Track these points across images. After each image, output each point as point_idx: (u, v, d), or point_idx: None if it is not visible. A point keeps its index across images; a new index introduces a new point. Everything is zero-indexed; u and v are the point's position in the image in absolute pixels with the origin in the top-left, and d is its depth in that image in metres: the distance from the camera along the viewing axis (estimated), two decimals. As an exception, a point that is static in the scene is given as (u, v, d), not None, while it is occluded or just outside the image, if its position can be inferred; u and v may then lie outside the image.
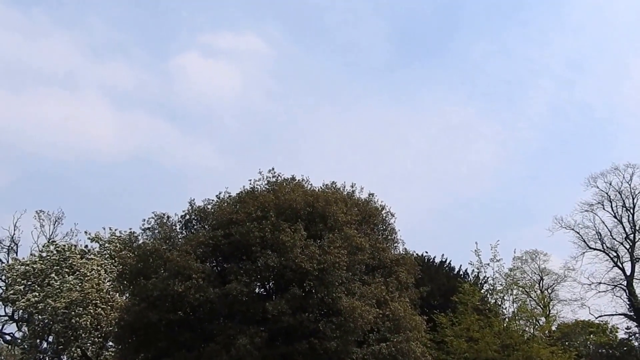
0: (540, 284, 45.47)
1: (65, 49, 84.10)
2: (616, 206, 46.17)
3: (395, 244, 27.98)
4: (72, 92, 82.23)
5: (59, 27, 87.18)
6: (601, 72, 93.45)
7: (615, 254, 45.90)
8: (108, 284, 30.18)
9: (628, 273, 45.17)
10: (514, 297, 33.61)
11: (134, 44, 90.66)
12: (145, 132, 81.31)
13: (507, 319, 31.59)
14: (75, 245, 33.34)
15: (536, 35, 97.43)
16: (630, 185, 45.71)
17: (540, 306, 39.52)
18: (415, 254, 31.96)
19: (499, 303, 33.00)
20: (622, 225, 45.86)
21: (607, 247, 46.17)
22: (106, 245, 32.63)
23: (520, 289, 35.73)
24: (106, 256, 31.98)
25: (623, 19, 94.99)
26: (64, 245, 32.55)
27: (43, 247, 33.68)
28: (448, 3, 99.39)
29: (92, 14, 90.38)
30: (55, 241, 35.11)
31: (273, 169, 26.51)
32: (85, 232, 33.24)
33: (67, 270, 30.63)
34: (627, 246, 45.53)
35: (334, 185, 27.14)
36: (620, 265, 45.59)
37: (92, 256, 31.65)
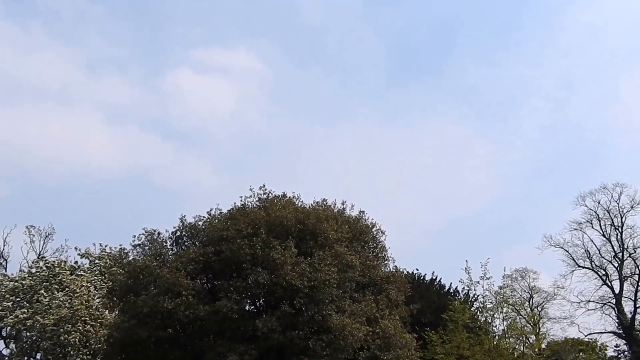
0: (530, 302, 45.62)
1: (61, 64, 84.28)
2: (605, 225, 46.62)
3: (386, 262, 28.16)
4: (67, 107, 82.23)
5: (55, 42, 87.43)
6: (592, 92, 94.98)
7: (604, 273, 46.23)
8: (97, 300, 30.03)
9: (617, 291, 45.45)
10: (504, 315, 33.78)
11: (128, 59, 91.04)
12: (139, 149, 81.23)
13: (497, 337, 31.71)
14: (65, 261, 33.19)
15: (529, 55, 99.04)
16: (618, 204, 46.22)
17: (530, 324, 39.61)
18: (405, 271, 32.09)
19: (489, 321, 33.12)
20: (611, 244, 46.26)
21: (596, 266, 46.51)
22: (96, 261, 32.52)
23: (510, 306, 35.87)
24: (96, 272, 31.86)
25: (614, 40, 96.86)
26: (54, 261, 32.39)
27: (32, 263, 33.53)
28: (443, 24, 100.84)
29: (88, 29, 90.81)
30: (45, 257, 34.97)
31: (264, 185, 26.77)
32: (76, 248, 33.18)
33: (56, 286, 30.46)
34: (616, 264, 45.88)
35: (325, 203, 27.33)
36: (609, 284, 45.89)
37: (82, 272, 31.52)
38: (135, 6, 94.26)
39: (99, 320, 29.44)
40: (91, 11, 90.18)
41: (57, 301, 29.17)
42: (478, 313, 33.46)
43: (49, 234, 38.55)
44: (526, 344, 34.36)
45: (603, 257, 46.45)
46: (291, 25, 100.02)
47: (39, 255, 37.01)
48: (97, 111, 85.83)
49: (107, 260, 31.41)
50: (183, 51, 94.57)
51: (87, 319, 29.08)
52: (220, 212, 26.15)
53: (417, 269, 37.50)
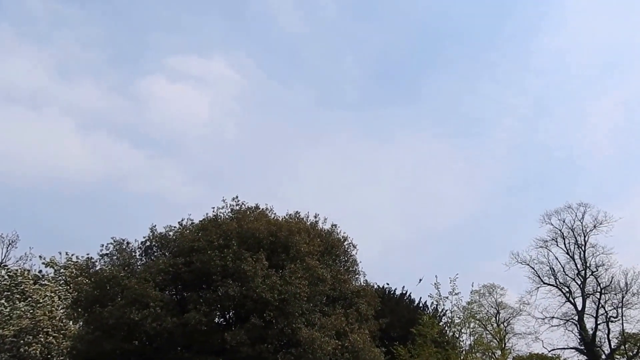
0: (497, 318, 46.43)
1: (31, 67, 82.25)
2: (569, 243, 47.97)
3: (357, 276, 28.29)
4: (37, 112, 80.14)
5: (26, 43, 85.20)
6: (561, 114, 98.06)
7: (567, 290, 47.44)
8: (61, 311, 29.20)
9: (579, 308, 46.66)
10: (472, 330, 34.27)
11: (102, 64, 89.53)
12: (111, 156, 79.67)
13: (464, 352, 32.06)
14: (28, 270, 32.25)
15: (504, 76, 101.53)
16: (582, 223, 47.66)
17: (496, 339, 40.27)
18: (376, 285, 32.29)
19: (457, 336, 33.49)
20: (574, 262, 47.59)
21: (560, 283, 47.71)
22: (61, 270, 31.69)
23: (478, 322, 36.41)
24: (61, 282, 31.03)
25: (581, 65, 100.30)
26: (17, 270, 31.45)
27: (-7, 271, 32.42)
28: (421, 42, 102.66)
29: (62, 32, 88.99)
30: (7, 265, 33.90)
31: (237, 197, 26.65)
32: (40, 257, 32.26)
33: (18, 296, 29.53)
34: (579, 282, 47.17)
35: (297, 215, 27.37)
36: (572, 301, 47.10)
37: (46, 282, 30.66)
38: (111, 11, 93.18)
39: (62, 332, 28.62)
40: (66, 13, 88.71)
41: (18, 311, 28.26)
42: (446, 328, 33.81)
43: (12, 242, 37.39)
44: (492, 359, 34.85)
45: (567, 275, 47.78)
46: (269, 37, 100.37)
47: (1, 263, 35.85)
48: (68, 116, 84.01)
49: (73, 270, 30.64)
50: (158, 58, 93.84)
51: (50, 330, 28.23)
52: (192, 223, 25.91)
53: (388, 284, 37.80)
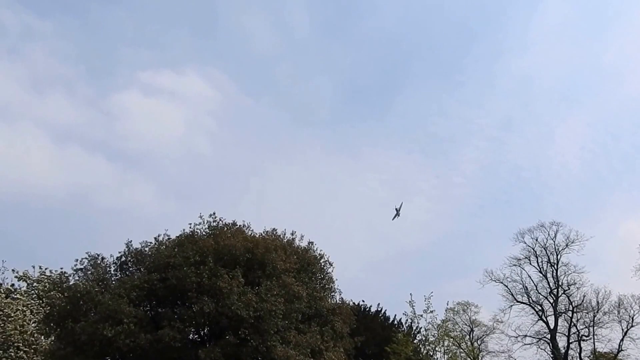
0: (471, 335, 46.87)
1: (3, 80, 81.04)
2: (542, 262, 48.76)
3: (333, 293, 28.48)
4: (8, 124, 78.82)
5: None
6: (529, 135, 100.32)
7: (540, 308, 48.15)
8: (33, 325, 28.74)
9: (552, 326, 47.36)
10: (446, 348, 34.60)
11: (76, 78, 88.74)
12: (84, 169, 78.64)
13: (438, 370, 32.32)
14: (0, 284, 31.68)
15: (471, 97, 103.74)
16: (554, 242, 48.54)
17: (470, 358, 40.65)
18: (352, 302, 32.47)
19: (431, 354, 33.79)
20: (547, 280, 48.36)
21: (533, 301, 48.43)
22: (34, 284, 31.20)
23: (452, 340, 36.76)
24: (33, 296, 30.55)
25: (548, 88, 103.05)
26: (-12, 284, 30.88)
27: (-36, 284, 31.77)
28: (391, 62, 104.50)
29: (35, 45, 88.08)
30: (-22, 278, 33.20)
31: (214, 213, 26.75)
32: (13, 270, 31.68)
33: (-12, 309, 28.97)
34: (551, 300, 47.92)
35: (274, 232, 27.54)
36: (545, 319, 47.78)
37: (18, 296, 30.13)
38: (84, 25, 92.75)
39: (33, 347, 28.13)
40: (39, 27, 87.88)
41: (-12, 325, 27.74)
42: (421, 346, 34.09)
43: (-16, 255, 36.66)
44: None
45: (540, 293, 48.49)
46: (242, 53, 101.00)
47: (-28, 276, 35.11)
48: (40, 129, 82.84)
49: (46, 284, 30.20)
50: (132, 72, 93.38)
51: (21, 344, 27.74)
52: (168, 239, 25.90)
53: (363, 301, 38.00)
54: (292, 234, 27.89)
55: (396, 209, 53.46)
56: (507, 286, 48.68)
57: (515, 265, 49.05)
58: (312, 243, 28.04)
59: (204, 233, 26.03)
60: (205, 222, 26.45)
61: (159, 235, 26.00)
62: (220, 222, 26.68)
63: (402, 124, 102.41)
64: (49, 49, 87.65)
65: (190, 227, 26.16)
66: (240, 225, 26.91)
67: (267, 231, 27.38)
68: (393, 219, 54.07)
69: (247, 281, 24.01)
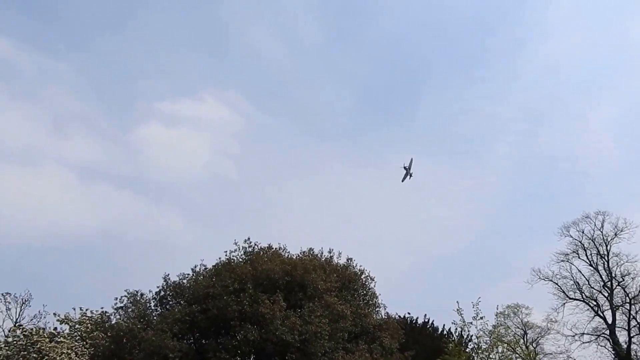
0: (525, 339, 44.95)
1: (25, 123, 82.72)
2: (591, 254, 46.48)
3: (377, 309, 27.58)
4: (34, 168, 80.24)
5: (17, 100, 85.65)
6: (561, 124, 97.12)
7: (595, 303, 45.83)
8: (79, 368, 28.61)
9: (609, 322, 45.01)
10: (500, 354, 33.03)
11: (95, 115, 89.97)
12: (113, 206, 79.19)
13: (495, 379, 30.85)
14: (43, 329, 31.72)
15: (495, 91, 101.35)
16: (602, 232, 46.25)
17: (526, 362, 38.87)
18: (397, 316, 31.43)
19: (485, 362, 32.34)
20: (599, 273, 46.04)
21: (587, 297, 46.12)
22: (77, 326, 31.14)
23: (505, 345, 35.18)
24: (77, 338, 30.45)
25: (575, 73, 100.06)
26: (32, 329, 30.95)
27: (9, 331, 31.98)
28: (409, 67, 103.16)
29: (51, 86, 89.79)
30: (22, 325, 33.41)
31: (249, 238, 26.36)
32: (55, 314, 31.77)
33: (35, 355, 28.98)
34: (606, 294, 45.58)
35: (311, 252, 26.93)
36: (601, 314, 45.45)
37: (61, 339, 30.08)
38: (98, 61, 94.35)
39: (81, 389, 27.97)
40: (53, 68, 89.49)
41: (36, 371, 27.72)
42: (473, 354, 32.70)
43: (25, 301, 37.00)
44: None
45: (592, 287, 46.17)
46: (256, 70, 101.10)
47: (16, 323, 35.41)
48: (66, 169, 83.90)
49: (89, 325, 30.11)
50: (150, 104, 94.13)
51: (69, 388, 27.62)
52: (205, 268, 25.55)
53: (409, 313, 36.83)
54: (330, 252, 27.26)
55: (405, 168, 49.77)
56: (557, 283, 46.58)
57: (563, 260, 46.95)
58: (350, 259, 27.34)
59: (240, 259, 25.61)
60: (241, 248, 26.07)
61: (195, 266, 25.76)
62: (256, 246, 26.25)
63: (425, 127, 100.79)
64: (66, 88, 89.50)
65: (226, 255, 25.86)
66: (276, 248, 26.40)
67: (304, 251, 26.79)
68: (403, 180, 50.23)
69: (289, 305, 23.43)
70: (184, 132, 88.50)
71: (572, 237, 47.48)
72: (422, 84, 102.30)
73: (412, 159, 49.90)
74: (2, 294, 36.64)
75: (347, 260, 27.24)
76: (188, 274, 25.44)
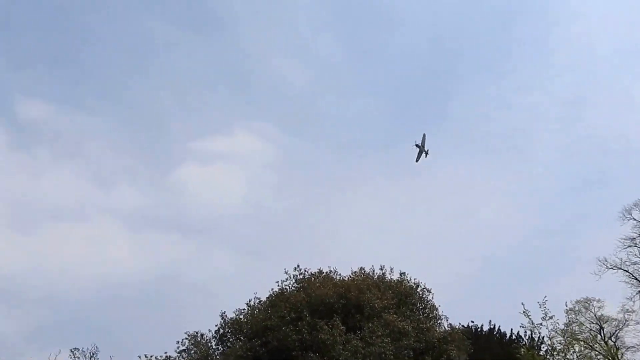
0: (602, 334, 42.57)
1: (71, 181, 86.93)
2: (659, 234, 44.05)
3: (439, 321, 26.71)
4: (85, 222, 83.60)
5: (60, 160, 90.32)
6: (604, 104, 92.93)
7: (672, 287, 43.20)
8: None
9: (691, 303, 42.21)
10: (578, 353, 31.35)
11: (134, 162, 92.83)
12: (162, 249, 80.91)
13: (576, 380, 29.24)
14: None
15: (528, 80, 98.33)
16: (667, 210, 43.86)
17: (608, 358, 36.76)
18: (460, 326, 30.33)
19: (563, 363, 30.72)
20: (671, 254, 43.51)
21: (662, 280, 43.56)
22: (145, 374, 31.56)
23: (582, 343, 33.38)
24: (146, 385, 30.83)
25: (613, 47, 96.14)
26: (103, 382, 31.54)
27: (82, 387, 32.68)
28: (435, 70, 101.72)
29: (89, 140, 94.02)
30: (93, 378, 34.11)
31: (298, 266, 26.30)
32: (122, 364, 32.40)
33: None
34: (682, 276, 42.93)
35: (363, 271, 26.53)
36: (681, 298, 42.73)
37: (131, 388, 30.56)
38: (130, 109, 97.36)
39: None
40: (89, 123, 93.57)
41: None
42: (549, 357, 31.16)
43: (93, 354, 37.88)
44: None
45: (667, 270, 43.59)
46: (282, 97, 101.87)
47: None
48: (114, 220, 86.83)
49: (156, 371, 30.44)
50: (184, 145, 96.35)
51: None
52: (260, 301, 25.57)
53: (472, 321, 35.49)
54: (382, 269, 26.77)
55: (417, 145, 45.90)
56: (627, 271, 43.99)
57: (630, 246, 44.36)
58: (404, 274, 26.72)
59: (293, 288, 25.53)
60: (292, 276, 26.02)
61: (249, 300, 25.82)
62: (306, 273, 26.10)
63: (461, 128, 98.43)
64: (104, 141, 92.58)
65: (278, 285, 25.80)
66: (326, 272, 26.19)
67: (355, 271, 26.43)
68: (418, 160, 46.28)
69: (348, 327, 23.07)
70: (220, 168, 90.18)
71: (635, 219, 44.97)
72: (451, 86, 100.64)
73: (424, 135, 46.19)
74: (71, 350, 37.62)
75: (400, 275, 26.70)
76: (244, 309, 25.54)
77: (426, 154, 46.45)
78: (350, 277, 25.89)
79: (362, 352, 21.92)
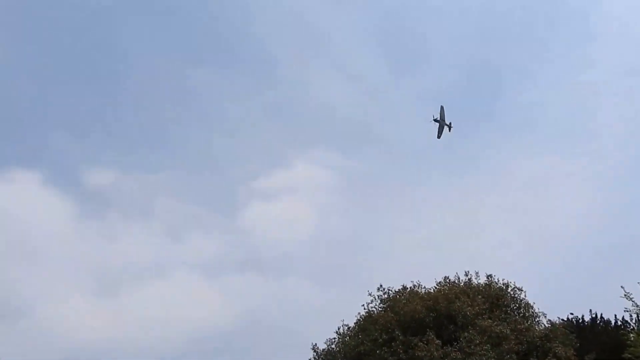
0: None
1: (147, 239, 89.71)
2: None
3: (537, 319, 25.46)
4: (164, 278, 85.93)
5: (131, 220, 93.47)
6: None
7: None
8: None
9: None
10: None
11: (203, 211, 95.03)
12: (243, 293, 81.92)
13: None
14: None
15: (576, 59, 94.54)
16: None
17: None
18: (560, 320, 28.81)
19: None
20: None
21: None
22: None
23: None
24: None
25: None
26: None
27: None
28: (478, 71, 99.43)
29: (157, 197, 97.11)
30: None
31: (381, 285, 25.88)
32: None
33: None
34: None
35: (447, 280, 25.81)
36: None
37: None
38: (190, 163, 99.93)
39: None
40: (153, 182, 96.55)
41: None
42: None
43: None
44: None
45: None
46: (335, 122, 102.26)
47: None
48: (192, 271, 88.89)
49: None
50: (248, 186, 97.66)
51: None
52: (348, 328, 25.28)
53: (572, 313, 33.62)
54: (466, 275, 25.90)
55: (436, 120, 41.58)
56: None
57: None
58: (490, 276, 25.73)
59: (379, 308, 25.14)
60: (376, 297, 25.62)
61: (338, 328, 25.55)
62: (389, 291, 25.67)
63: (517, 123, 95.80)
64: (172, 196, 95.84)
65: (364, 308, 25.49)
66: (410, 287, 25.66)
67: (439, 281, 25.73)
68: (440, 136, 42.25)
69: (443, 341, 22.43)
70: (286, 202, 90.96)
71: None
72: (498, 80, 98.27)
73: (442, 107, 41.94)
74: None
75: (487, 277, 25.72)
76: (334, 338, 25.32)
77: (449, 127, 42.91)
78: (435, 288, 25.25)
79: (463, 363, 21.11)
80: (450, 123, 43.01)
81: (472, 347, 21.48)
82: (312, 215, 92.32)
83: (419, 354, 21.50)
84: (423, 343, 21.82)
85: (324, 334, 25.78)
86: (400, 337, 22.29)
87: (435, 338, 22.02)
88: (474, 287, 25.17)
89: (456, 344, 22.14)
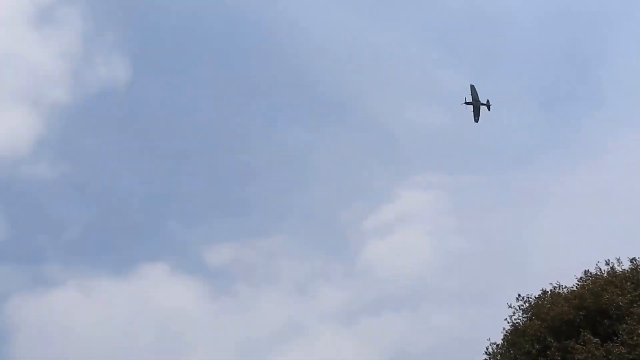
0: None
1: (278, 304, 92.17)
2: None
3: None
4: (306, 337, 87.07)
5: (262, 289, 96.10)
6: None
7: None
8: None
9: None
10: None
11: (322, 263, 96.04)
12: (381, 335, 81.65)
13: None
14: None
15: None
16: None
17: None
18: None
19: None
20: None
21: None
22: None
23: None
24: None
25: None
26: None
27: None
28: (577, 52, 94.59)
29: (276, 262, 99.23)
30: None
31: (519, 295, 25.12)
32: None
33: None
34: None
35: (587, 273, 24.54)
36: None
37: None
38: (302, 221, 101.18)
39: None
40: (271, 247, 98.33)
41: None
42: None
43: None
44: None
45: None
46: (430, 143, 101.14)
47: None
48: (329, 323, 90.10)
49: None
50: (359, 227, 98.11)
51: None
52: (497, 345, 24.74)
53: None
54: (608, 263, 24.40)
55: (468, 103, 39.04)
56: None
57: None
58: (634, 259, 24.09)
59: (524, 319, 24.43)
60: (518, 307, 24.98)
61: (486, 348, 25.01)
62: (529, 299, 24.92)
63: (621, 111, 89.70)
64: (292, 258, 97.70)
65: (508, 322, 24.84)
66: (550, 290, 24.73)
67: (580, 277, 24.50)
68: (477, 119, 39.20)
69: (601, 338, 21.22)
70: (401, 234, 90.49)
71: None
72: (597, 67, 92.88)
73: (472, 86, 39.24)
74: None
75: (631, 261, 24.08)
76: (485, 359, 24.83)
77: (488, 106, 40.34)
78: (577, 285, 24.11)
79: (629, 357, 19.87)
80: (488, 101, 40.78)
81: (634, 338, 20.13)
82: (430, 240, 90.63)
83: (579, 357, 20.53)
84: (580, 345, 20.85)
85: (472, 356, 25.42)
86: (554, 344, 21.46)
87: (592, 337, 20.96)
88: (619, 274, 23.65)
89: (616, 339, 20.88)
